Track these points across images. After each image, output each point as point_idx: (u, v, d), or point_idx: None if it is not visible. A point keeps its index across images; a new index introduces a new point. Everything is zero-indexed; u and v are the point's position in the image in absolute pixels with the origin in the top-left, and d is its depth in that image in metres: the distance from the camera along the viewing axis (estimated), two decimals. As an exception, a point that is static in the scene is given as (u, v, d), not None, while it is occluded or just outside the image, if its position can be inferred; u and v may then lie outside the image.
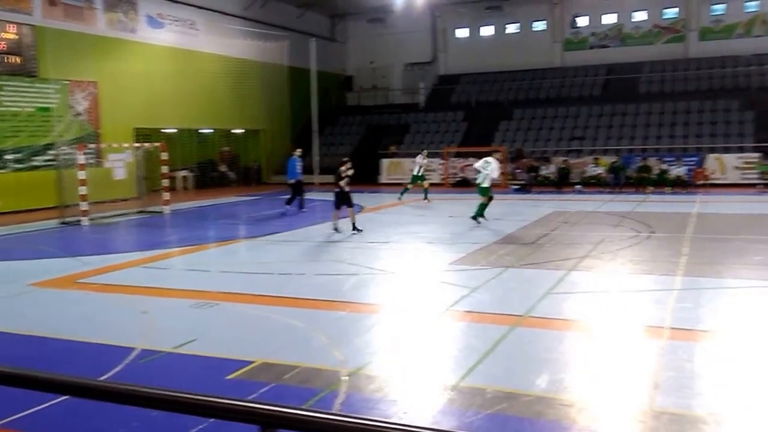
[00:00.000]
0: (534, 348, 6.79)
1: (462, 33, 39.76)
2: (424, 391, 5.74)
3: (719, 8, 33.91)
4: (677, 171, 25.98)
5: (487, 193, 16.28)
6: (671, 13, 35.03)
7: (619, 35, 36.15)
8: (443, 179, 30.71)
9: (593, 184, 26.80)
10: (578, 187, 26.43)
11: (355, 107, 40.08)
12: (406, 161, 31.71)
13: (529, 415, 5.12)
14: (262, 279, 10.72)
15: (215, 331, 7.71)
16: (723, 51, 33.17)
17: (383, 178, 32.32)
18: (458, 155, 31.41)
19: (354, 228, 15.08)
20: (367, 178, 32.69)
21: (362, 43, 41.13)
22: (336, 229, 15.13)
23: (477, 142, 33.14)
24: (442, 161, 31.14)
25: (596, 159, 27.85)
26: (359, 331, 7.52)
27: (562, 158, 29.03)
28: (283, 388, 5.77)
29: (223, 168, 33.94)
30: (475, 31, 39.29)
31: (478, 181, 16.60)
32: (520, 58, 36.99)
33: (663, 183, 25.26)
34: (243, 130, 34.39)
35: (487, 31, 39.07)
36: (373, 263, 11.72)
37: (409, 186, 23.14)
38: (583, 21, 36.91)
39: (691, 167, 26.55)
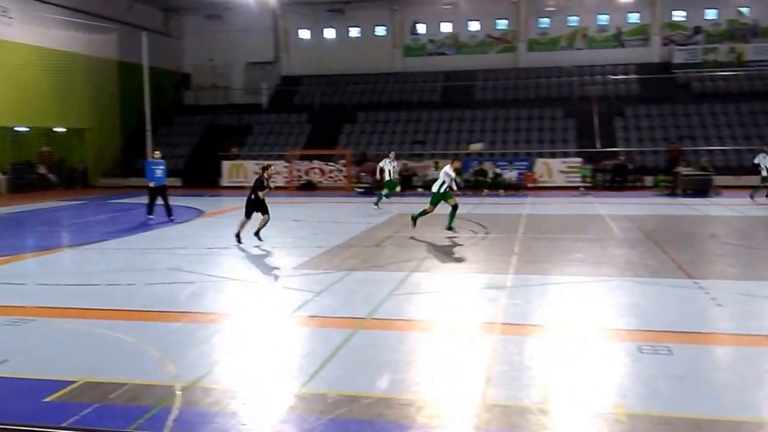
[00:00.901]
0: (376, 350, 6.81)
1: (305, 34, 39.70)
2: (264, 401, 5.55)
3: (545, 22, 36.51)
4: (510, 175, 27.61)
5: (437, 200, 15.04)
6: (502, 24, 37.22)
7: (455, 44, 37.82)
8: (287, 182, 30.42)
9: (434, 186, 27.76)
10: (420, 190, 27.26)
11: (193, 106, 38.66)
12: (249, 163, 31.08)
13: (370, 417, 5.11)
14: (87, 291, 9.90)
15: (31, 349, 6.99)
16: (549, 62, 35.76)
17: (224, 181, 31.41)
18: (303, 158, 31.27)
19: (258, 235, 13.79)
20: (207, 180, 31.65)
21: (200, 40, 39.75)
22: (239, 239, 13.71)
23: (321, 144, 33.24)
24: (286, 164, 30.83)
25: (436, 163, 28.88)
26: (195, 342, 7.14)
27: (404, 161, 29.79)
28: (108, 408, 5.32)
29: (42, 170, 31.15)
30: (317, 33, 39.39)
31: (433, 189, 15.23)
32: (362, 62, 37.56)
33: (498, 186, 26.72)
34: (66, 129, 31.93)
35: (329, 33, 39.31)
36: (213, 270, 11.27)
37: (385, 192, 21.12)
38: (422, 28, 38.23)
39: (522, 171, 28.36)
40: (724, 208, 19.83)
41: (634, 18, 35.26)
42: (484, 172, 27.56)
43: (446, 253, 12.68)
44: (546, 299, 9.06)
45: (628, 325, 7.67)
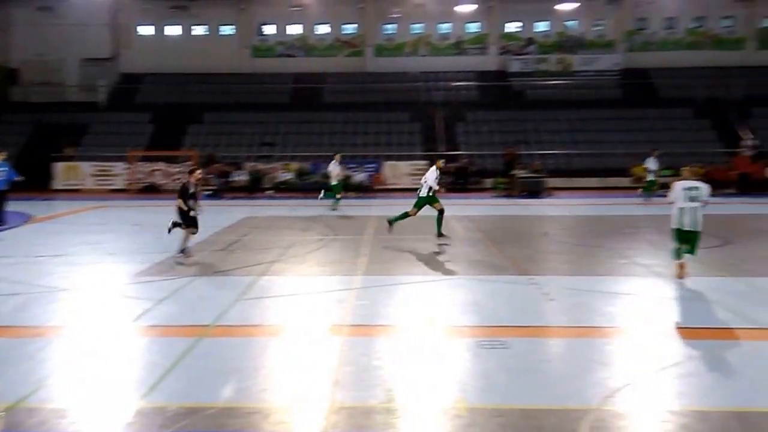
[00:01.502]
0: (220, 358, 6.59)
1: (146, 30, 37.90)
2: (98, 418, 5.17)
3: (391, 28, 37.43)
4: (359, 177, 27.99)
5: (423, 204, 14.47)
6: (350, 28, 37.71)
7: (304, 46, 37.77)
8: (128, 185, 28.83)
9: (284, 189, 27.55)
10: (270, 192, 26.93)
11: (22, 104, 35.59)
12: (85, 165, 29.11)
13: (212, 428, 4.93)
14: None
15: None
16: (395, 67, 36.69)
17: (58, 184, 29.18)
18: (145, 159, 29.78)
19: (182, 251, 12.08)
20: (38, 183, 29.26)
21: (30, 33, 36.73)
22: (184, 253, 11.98)
23: (165, 145, 31.84)
24: (127, 165, 29.19)
25: (286, 165, 28.68)
26: (20, 359, 6.53)
27: (253, 164, 29.28)
28: None
29: None
30: (161, 30, 37.74)
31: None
32: (208, 61, 36.48)
33: (348, 188, 26.97)
34: None
35: (174, 30, 37.81)
36: (42, 280, 10.39)
37: (324, 195, 20.86)
38: (270, 29, 37.80)
39: (371, 173, 28.85)
40: (556, 208, 21.33)
41: (473, 28, 37.08)
42: (333, 175, 27.71)
43: (296, 256, 12.59)
44: (393, 299, 9.23)
45: (468, 321, 8.01)
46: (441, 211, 14.38)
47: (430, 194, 14.29)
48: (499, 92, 35.10)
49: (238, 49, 37.46)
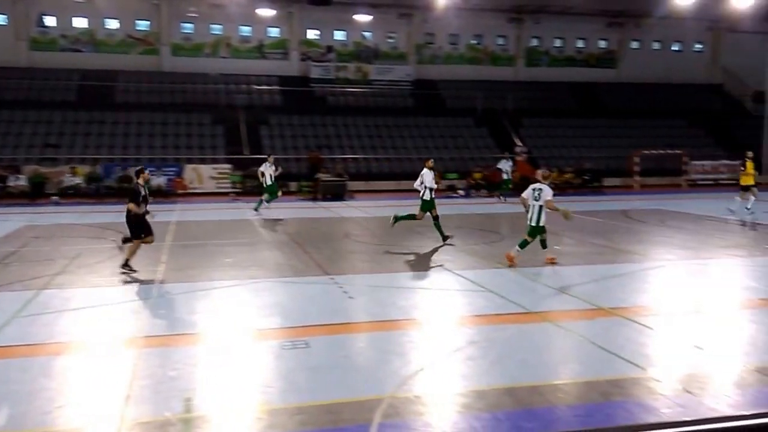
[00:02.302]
0: (-5, 382, 5.99)
1: None
2: None
3: (188, 27, 36.18)
4: (158, 181, 26.74)
5: (428, 208, 14.29)
6: (144, 25, 35.83)
7: (92, 41, 35.23)
8: None
9: (72, 194, 25.52)
10: (55, 198, 24.80)
11: None
12: None
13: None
14: None
15: None
16: (194, 68, 35.52)
17: None
18: None
19: (125, 265, 10.91)
20: None
21: None
22: (128, 268, 10.84)
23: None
24: None
25: (73, 168, 26.58)
26: None
27: (34, 167, 26.75)
28: None
29: None
30: None
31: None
32: (-24, 54, 32.68)
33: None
34: None
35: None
36: None
37: (266, 197, 20.55)
38: (51, 21, 34.71)
39: (171, 177, 27.68)
40: (357, 210, 22.03)
41: (274, 32, 37.06)
42: (129, 179, 26.17)
43: (84, 266, 11.75)
44: (193, 307, 8.99)
45: (271, 324, 8.04)
46: (436, 217, 14.46)
47: (433, 196, 14.34)
48: (301, 97, 35.44)
49: (14, 41, 33.93)
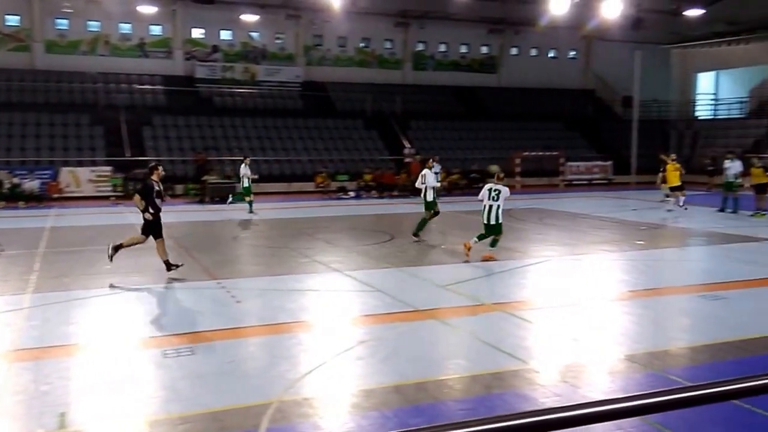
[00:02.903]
0: None
1: None
2: None
3: (63, 23, 34.20)
4: (30, 185, 25.14)
5: (432, 207, 14.80)
6: (14, 20, 33.52)
7: (-46, 35, 32.59)
8: None
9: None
10: None
11: None
12: None
13: None
14: None
15: None
16: (70, 66, 33.60)
17: None
18: None
19: (170, 266, 10.90)
20: None
21: None
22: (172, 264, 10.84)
23: None
24: None
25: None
26: None
27: None
28: None
29: None
30: None
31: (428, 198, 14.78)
32: None
33: (16, 197, 24.05)
34: None
35: None
36: None
37: (248, 199, 21.03)
38: None
39: (45, 180, 26.08)
40: (246, 213, 21.64)
41: (156, 30, 35.70)
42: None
43: (-54, 278, 10.87)
44: (69, 316, 8.53)
45: (153, 332, 7.78)
46: (429, 217, 14.81)
47: (435, 195, 14.84)
48: (186, 98, 34.37)
49: None
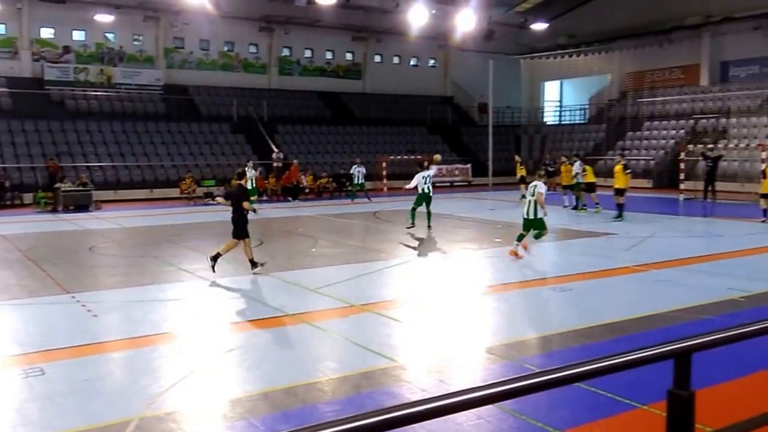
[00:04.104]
0: None
1: None
2: None
3: None
4: None
5: (424, 200, 16.82)
6: None
7: None
8: None
9: None
10: None
11: None
12: None
13: None
14: None
15: None
16: None
17: None
18: None
19: (254, 264, 11.44)
20: None
21: None
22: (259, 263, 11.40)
23: None
24: None
25: None
26: None
27: None
28: None
29: None
30: None
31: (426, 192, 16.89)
32: None
33: None
34: None
35: None
36: None
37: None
38: None
39: None
40: (104, 221, 20.53)
41: (0, 30, 33.05)
42: None
43: None
44: None
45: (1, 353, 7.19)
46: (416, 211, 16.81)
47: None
48: (35, 101, 32.01)
49: None
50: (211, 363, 6.78)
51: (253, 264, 11.40)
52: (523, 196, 23.51)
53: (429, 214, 17.00)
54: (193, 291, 10.40)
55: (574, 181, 21.66)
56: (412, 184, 16.98)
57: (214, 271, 11.13)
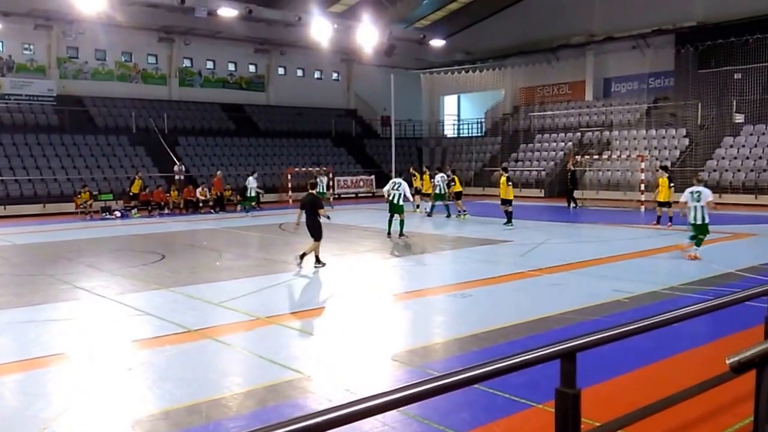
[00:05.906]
0: None
1: None
2: None
3: None
4: None
5: (403, 210, 17.58)
6: None
7: None
8: None
9: None
10: None
11: None
12: None
13: None
14: None
15: None
16: None
17: None
18: None
19: (318, 261, 13.09)
20: None
21: None
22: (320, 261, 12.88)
23: None
24: None
25: None
26: None
27: None
28: None
29: None
30: None
31: (393, 201, 17.60)
32: None
33: None
34: None
35: None
36: None
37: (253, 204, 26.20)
38: None
39: None
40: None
41: None
42: None
43: None
44: None
45: None
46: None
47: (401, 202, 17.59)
48: None
49: None
50: (110, 383, 6.58)
51: (318, 261, 13.01)
52: (418, 206, 24.63)
53: (401, 222, 17.59)
54: (90, 309, 10.02)
55: (435, 192, 23.70)
56: (384, 190, 18.27)
57: (300, 267, 12.75)
